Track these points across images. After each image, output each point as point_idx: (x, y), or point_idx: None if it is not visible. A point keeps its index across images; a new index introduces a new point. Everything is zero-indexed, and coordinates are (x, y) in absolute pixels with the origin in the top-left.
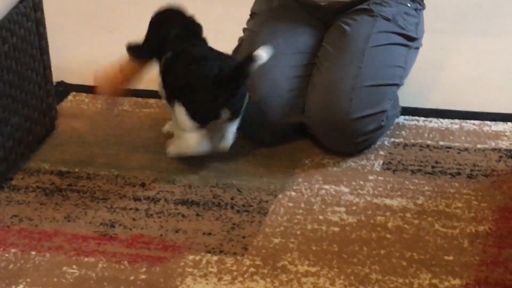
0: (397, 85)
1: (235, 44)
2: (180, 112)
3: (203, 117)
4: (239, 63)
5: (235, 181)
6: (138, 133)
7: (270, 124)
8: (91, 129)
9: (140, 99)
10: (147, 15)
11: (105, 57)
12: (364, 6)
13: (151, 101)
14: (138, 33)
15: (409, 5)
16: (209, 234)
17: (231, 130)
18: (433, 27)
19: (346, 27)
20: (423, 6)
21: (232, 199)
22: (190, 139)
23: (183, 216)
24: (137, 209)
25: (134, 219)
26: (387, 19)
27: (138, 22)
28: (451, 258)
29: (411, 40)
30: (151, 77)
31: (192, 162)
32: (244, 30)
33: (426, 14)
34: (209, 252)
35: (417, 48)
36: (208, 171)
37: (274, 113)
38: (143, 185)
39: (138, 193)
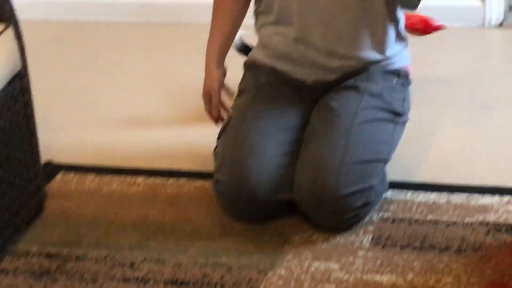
0: (385, 161)
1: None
2: None
3: None
4: None
5: (224, 259)
6: (126, 212)
7: (259, 201)
8: (79, 209)
9: (128, 178)
10: (134, 89)
11: (94, 135)
12: (350, 82)
13: (139, 179)
14: (126, 108)
15: (395, 81)
16: None
17: None
18: (419, 100)
19: (333, 104)
20: (408, 81)
21: (221, 278)
22: None
23: None
24: None
25: None
26: (374, 95)
27: (125, 97)
28: None
29: (398, 115)
30: (139, 155)
31: (181, 242)
32: (232, 107)
33: (413, 87)
34: None
35: (404, 123)
36: (197, 249)
37: (263, 191)
38: (132, 266)
39: (127, 273)
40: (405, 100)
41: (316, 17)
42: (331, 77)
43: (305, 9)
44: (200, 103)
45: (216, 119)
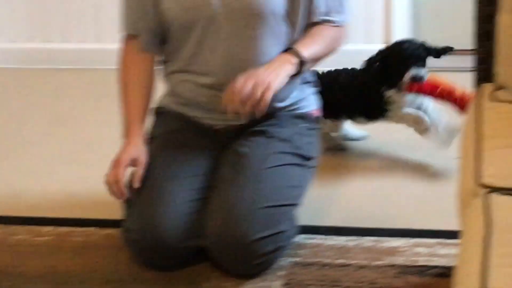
0: (295, 205)
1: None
2: None
3: None
4: None
5: None
6: (34, 263)
7: (169, 249)
8: None
9: (35, 228)
10: (40, 137)
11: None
12: (259, 127)
13: (46, 229)
14: (32, 156)
15: (303, 125)
16: None
17: None
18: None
19: (243, 149)
20: (317, 126)
21: None
22: None
23: None
24: None
25: None
26: (283, 140)
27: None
28: None
29: (307, 160)
30: (46, 204)
31: None
32: None
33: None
34: None
35: (313, 167)
36: None
37: (172, 238)
38: None
39: None
40: (314, 144)
41: (234, 66)
42: (240, 122)
43: (224, 61)
44: (110, 150)
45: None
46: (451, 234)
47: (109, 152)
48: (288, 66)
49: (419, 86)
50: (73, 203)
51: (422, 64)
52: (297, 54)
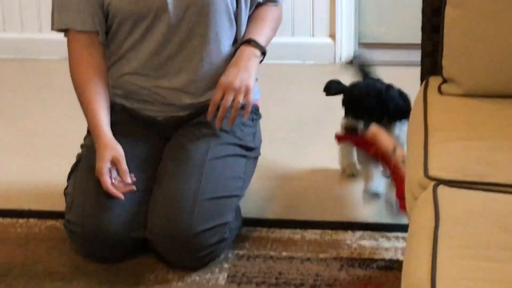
0: (238, 196)
1: (73, 159)
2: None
3: None
4: None
5: None
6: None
7: (111, 241)
8: None
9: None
10: None
11: None
12: (201, 119)
13: (21, 221)
14: None
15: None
16: None
17: None
18: (272, 137)
19: (185, 141)
20: (258, 116)
21: None
22: None
23: None
24: None
25: None
26: (225, 131)
27: None
28: None
29: (249, 150)
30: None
31: (32, 284)
32: (82, 146)
33: (265, 124)
34: None
35: (256, 157)
36: None
37: (115, 230)
38: None
39: None
40: (255, 135)
41: (181, 66)
42: (182, 113)
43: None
44: (52, 141)
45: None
46: (396, 227)
47: (50, 143)
48: (254, 60)
49: (354, 138)
50: (15, 194)
51: (371, 116)
52: (258, 46)
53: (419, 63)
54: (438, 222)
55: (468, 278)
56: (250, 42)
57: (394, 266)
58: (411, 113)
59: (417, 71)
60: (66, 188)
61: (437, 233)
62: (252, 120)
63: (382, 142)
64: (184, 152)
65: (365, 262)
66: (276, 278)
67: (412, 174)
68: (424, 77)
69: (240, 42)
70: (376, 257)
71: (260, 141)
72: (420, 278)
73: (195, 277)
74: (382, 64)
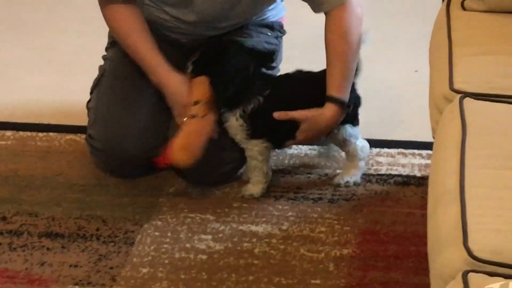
0: None
1: (93, 74)
2: None
3: None
4: None
5: (99, 212)
6: None
7: (132, 159)
8: None
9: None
10: None
11: None
12: (226, 38)
13: (8, 133)
14: None
15: (269, 34)
16: (76, 266)
17: None
18: (286, 55)
19: None
20: (283, 33)
21: (97, 230)
22: None
23: (48, 249)
24: None
25: None
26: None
27: None
28: (318, 281)
29: (270, 69)
30: (7, 109)
31: (54, 195)
32: (105, 58)
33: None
34: (76, 284)
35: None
36: (71, 203)
37: (136, 148)
38: (4, 219)
39: None
40: (278, 52)
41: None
42: (208, 35)
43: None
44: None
45: None
46: (412, 144)
47: (67, 59)
48: (339, 118)
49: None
50: (34, 109)
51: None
52: (342, 103)
53: None
54: (465, 133)
55: (495, 187)
56: (334, 100)
57: (411, 182)
58: (433, 29)
59: None
60: (88, 102)
61: (464, 144)
62: (276, 37)
63: (195, 91)
64: None
65: (382, 177)
66: (295, 192)
67: (437, 88)
68: None
69: (328, 95)
70: (393, 172)
71: (281, 59)
72: (449, 187)
73: (215, 190)
74: None
